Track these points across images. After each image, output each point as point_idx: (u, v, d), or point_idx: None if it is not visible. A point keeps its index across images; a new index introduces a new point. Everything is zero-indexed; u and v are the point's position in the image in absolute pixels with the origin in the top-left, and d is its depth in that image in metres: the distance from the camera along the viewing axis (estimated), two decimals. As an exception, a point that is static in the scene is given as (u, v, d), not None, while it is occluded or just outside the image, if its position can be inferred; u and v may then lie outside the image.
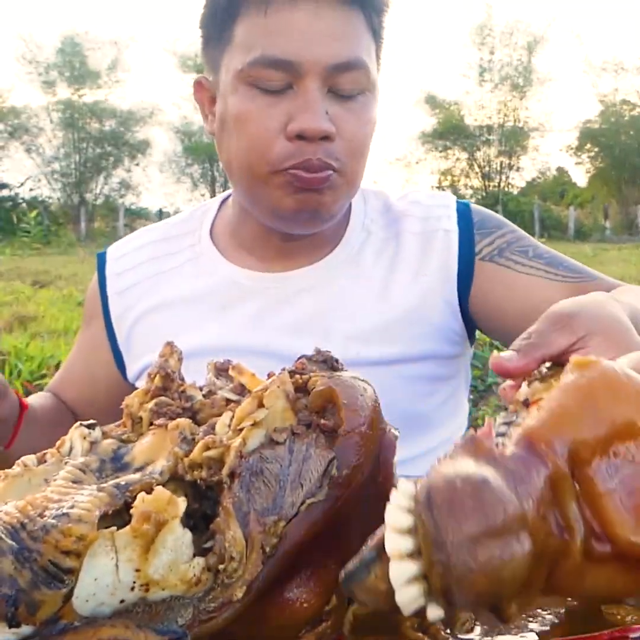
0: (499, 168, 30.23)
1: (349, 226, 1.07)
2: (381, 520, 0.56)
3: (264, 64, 0.90)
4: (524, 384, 0.53)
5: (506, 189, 30.19)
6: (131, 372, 1.11)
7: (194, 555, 0.43)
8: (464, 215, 1.07)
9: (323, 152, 0.91)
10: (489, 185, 30.24)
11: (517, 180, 31.40)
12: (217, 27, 0.95)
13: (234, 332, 1.03)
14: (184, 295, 1.08)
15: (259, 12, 0.90)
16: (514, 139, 29.73)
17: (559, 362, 0.55)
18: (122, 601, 0.41)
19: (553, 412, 0.39)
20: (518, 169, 30.93)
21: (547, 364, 0.56)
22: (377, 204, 1.11)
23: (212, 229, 1.12)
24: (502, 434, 0.43)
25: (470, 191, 30.58)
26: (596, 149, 30.35)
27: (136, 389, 1.22)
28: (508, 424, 0.46)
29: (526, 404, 0.49)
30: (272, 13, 0.90)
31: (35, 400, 1.10)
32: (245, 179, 0.96)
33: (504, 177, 30.35)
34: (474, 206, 1.10)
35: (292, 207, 0.94)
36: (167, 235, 1.14)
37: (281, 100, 0.91)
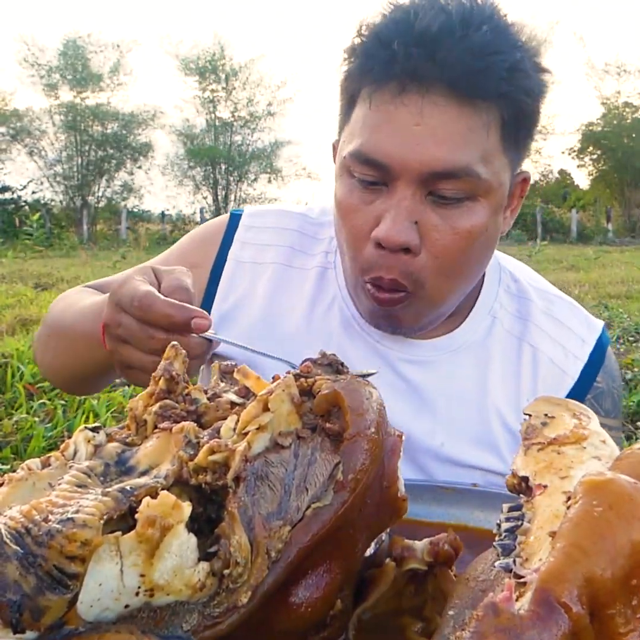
0: (501, 171, 30.19)
1: (475, 308, 1.02)
2: (385, 525, 0.56)
3: (359, 160, 0.85)
4: (521, 449, 0.52)
5: (508, 191, 30.15)
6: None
7: (199, 560, 0.43)
8: (593, 365, 1.02)
9: (400, 268, 0.86)
10: (492, 188, 30.19)
11: (520, 183, 31.34)
12: (343, 105, 0.92)
13: None
14: (299, 302, 1.03)
15: (366, 103, 0.85)
16: (516, 142, 29.70)
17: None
18: (126, 606, 0.41)
19: (567, 554, 0.37)
20: (520, 172, 30.89)
21: (546, 411, 0.55)
22: (513, 286, 1.05)
23: None
24: (509, 550, 0.43)
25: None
26: (598, 152, 30.32)
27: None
28: (512, 531, 0.44)
29: (526, 482, 0.48)
30: (376, 106, 0.84)
31: None
32: (345, 265, 0.94)
33: (506, 180, 30.31)
34: (608, 358, 1.05)
35: (370, 315, 0.93)
36: (305, 231, 1.09)
37: (376, 198, 0.86)
